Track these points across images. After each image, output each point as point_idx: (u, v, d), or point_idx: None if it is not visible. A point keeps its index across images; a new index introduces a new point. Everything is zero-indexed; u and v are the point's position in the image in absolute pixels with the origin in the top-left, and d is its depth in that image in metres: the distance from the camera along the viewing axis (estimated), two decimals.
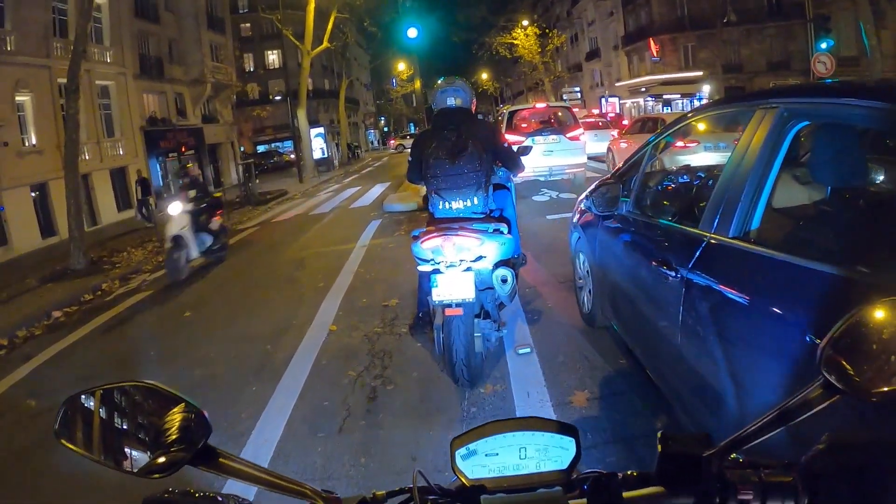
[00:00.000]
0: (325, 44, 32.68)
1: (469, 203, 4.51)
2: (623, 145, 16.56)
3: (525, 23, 49.18)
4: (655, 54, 44.15)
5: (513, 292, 4.34)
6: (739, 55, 40.77)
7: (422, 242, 4.23)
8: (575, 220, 5.42)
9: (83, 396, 0.88)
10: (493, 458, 0.93)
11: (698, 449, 0.88)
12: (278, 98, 51.46)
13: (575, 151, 14.10)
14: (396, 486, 0.95)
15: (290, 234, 13.44)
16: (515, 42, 49.25)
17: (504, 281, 4.24)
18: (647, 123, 15.99)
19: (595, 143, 19.80)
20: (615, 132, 22.75)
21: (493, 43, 50.16)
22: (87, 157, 23.37)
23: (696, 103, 38.87)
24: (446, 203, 4.54)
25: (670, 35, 43.94)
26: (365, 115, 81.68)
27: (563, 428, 0.94)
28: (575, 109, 16.60)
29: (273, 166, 48.33)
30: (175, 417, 0.86)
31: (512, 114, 14.90)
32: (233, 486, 1.84)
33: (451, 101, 4.68)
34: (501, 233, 4.36)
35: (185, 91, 33.63)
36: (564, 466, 0.93)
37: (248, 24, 56.01)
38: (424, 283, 4.65)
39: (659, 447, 0.90)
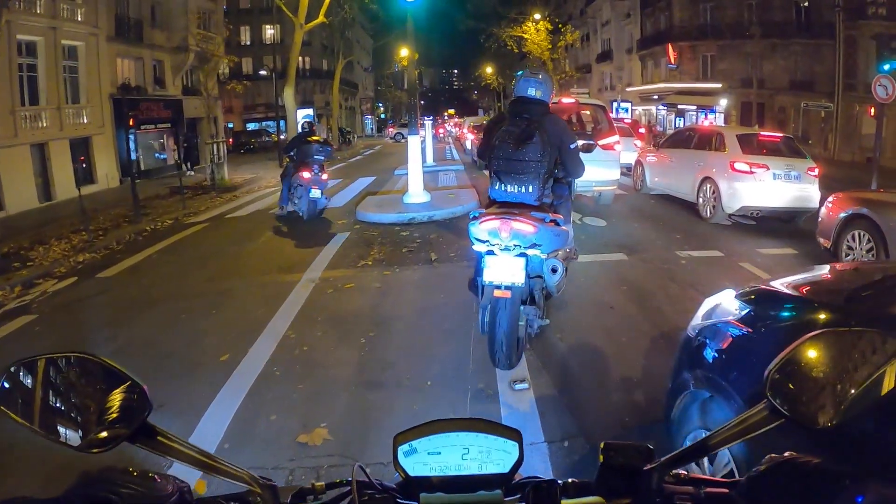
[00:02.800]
0: (321, 18, 30.22)
1: (523, 190, 4.68)
2: (651, 159, 14.06)
3: (537, 16, 46.69)
4: (673, 61, 42.20)
5: (561, 283, 4.54)
6: (761, 70, 38.29)
7: (479, 223, 4.34)
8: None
9: (27, 364, 0.87)
10: (435, 457, 0.93)
11: (640, 461, 0.93)
12: (264, 73, 48.61)
13: (608, 164, 11.31)
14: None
15: (231, 244, 10.60)
16: (525, 36, 46.74)
17: (554, 270, 4.40)
18: (693, 137, 12.76)
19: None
20: (638, 141, 20.16)
21: (502, 34, 47.85)
22: (44, 125, 21.36)
23: (712, 117, 37.31)
24: (503, 185, 4.75)
25: (690, 42, 41.93)
26: (363, 99, 79.48)
27: (508, 432, 0.95)
28: None
29: (260, 146, 46.22)
30: (116, 392, 0.86)
31: None
32: (178, 470, 1.09)
33: (532, 92, 4.82)
34: (557, 224, 4.50)
35: (166, 59, 30.95)
36: (506, 470, 0.93)
37: None
38: (478, 261, 4.71)
39: (601, 457, 0.95)
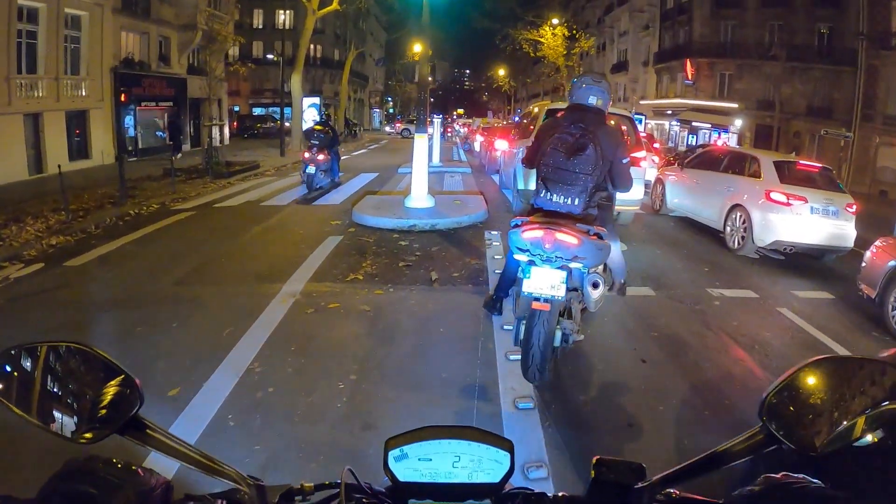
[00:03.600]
0: (335, 5, 29.43)
1: (570, 202, 4.53)
2: (673, 178, 13.03)
3: (555, 21, 46.01)
4: (690, 77, 41.36)
5: (600, 300, 4.36)
6: (779, 93, 37.58)
7: (522, 232, 4.21)
8: None
9: (23, 351, 0.89)
10: (426, 463, 0.93)
11: (631, 479, 0.93)
12: (272, 58, 47.64)
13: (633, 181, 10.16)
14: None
15: (211, 239, 9.63)
16: (542, 40, 46.03)
17: (595, 286, 4.28)
18: (722, 159, 11.66)
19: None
20: (655, 157, 18.97)
21: (518, 36, 47.30)
22: (40, 95, 20.47)
23: (725, 136, 36.64)
24: (549, 194, 4.61)
25: (708, 59, 41.24)
26: (372, 92, 78.71)
27: (500, 441, 0.94)
28: None
29: (265, 131, 45.19)
30: (110, 385, 0.88)
31: (550, 113, 10.45)
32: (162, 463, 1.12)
33: (593, 100, 4.70)
34: (600, 238, 4.32)
35: (173, 36, 29.99)
36: (496, 480, 0.93)
37: None
38: (510, 269, 4.78)
39: (592, 473, 0.95)
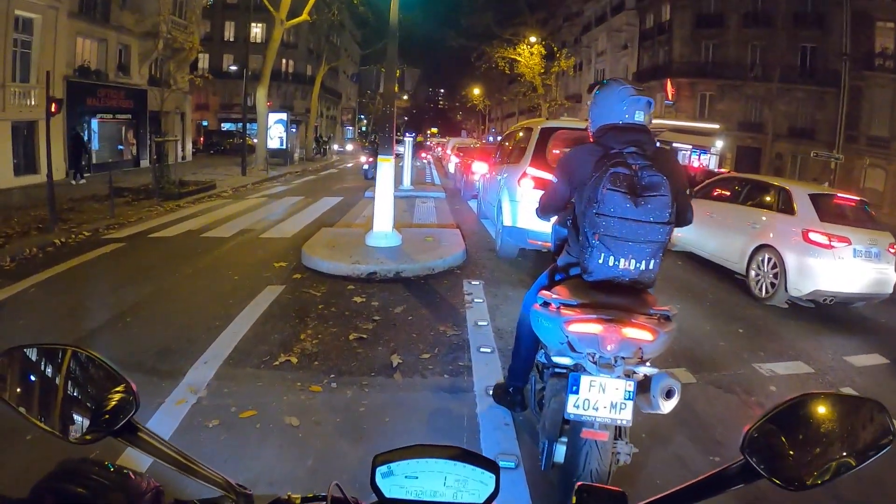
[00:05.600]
0: (305, 16, 28.16)
1: (642, 265, 3.04)
2: None
3: (533, 39, 45.21)
4: (670, 97, 40.63)
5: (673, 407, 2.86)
6: (761, 114, 37.27)
7: (569, 324, 2.80)
8: None
9: (24, 351, 0.92)
10: (412, 481, 0.93)
11: None
12: (234, 69, 46.01)
13: None
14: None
15: (126, 286, 7.57)
16: (518, 59, 45.43)
17: (668, 395, 2.76)
18: (742, 189, 10.19)
19: None
20: None
21: (495, 54, 46.59)
22: None
23: (705, 158, 36.02)
24: (611, 258, 3.03)
25: (689, 79, 41.10)
26: (345, 109, 77.23)
27: (486, 463, 0.93)
28: None
29: (233, 148, 43.10)
30: (109, 390, 0.90)
31: (546, 134, 8.89)
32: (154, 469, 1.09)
33: (641, 117, 3.24)
34: (669, 319, 2.90)
35: (134, 44, 28.49)
36: (481, 501, 0.92)
37: None
38: (525, 343, 3.65)
39: (574, 499, 0.95)
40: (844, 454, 0.82)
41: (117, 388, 0.89)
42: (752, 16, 37.60)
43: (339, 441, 3.85)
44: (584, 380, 2.80)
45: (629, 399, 2.78)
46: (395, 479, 0.92)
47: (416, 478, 0.92)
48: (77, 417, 0.88)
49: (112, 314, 6.36)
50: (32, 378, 0.91)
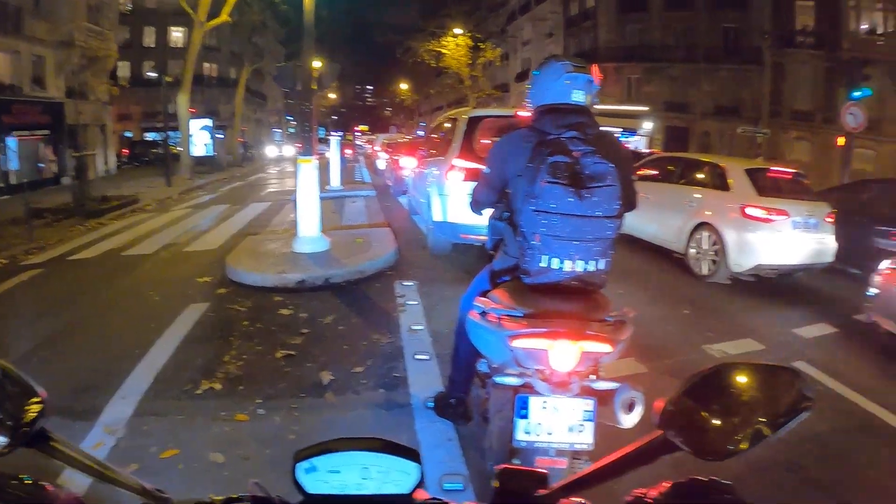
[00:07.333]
0: (224, 16, 27.14)
1: (591, 267, 2.71)
2: None
3: (458, 31, 45.24)
4: (597, 82, 40.73)
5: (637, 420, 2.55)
6: (687, 94, 38.31)
7: (513, 339, 2.47)
8: None
9: None
10: (335, 476, 0.91)
11: (534, 487, 0.94)
12: (153, 75, 44.70)
13: None
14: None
15: (37, 320, 6.84)
16: (444, 51, 45.45)
17: (630, 407, 2.45)
18: (677, 168, 10.19)
19: None
20: None
21: (421, 48, 46.70)
22: None
23: (634, 139, 36.69)
24: (555, 260, 2.68)
25: (615, 64, 41.20)
26: (271, 111, 75.88)
27: (407, 452, 0.92)
28: None
29: (158, 157, 41.31)
30: (15, 397, 0.87)
31: (474, 123, 8.52)
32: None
33: (580, 97, 2.85)
34: (625, 323, 2.61)
35: (48, 55, 27.01)
36: (406, 491, 0.92)
37: None
38: (464, 350, 3.20)
39: (496, 482, 0.96)
40: (761, 422, 0.82)
41: (27, 397, 0.86)
42: None
43: (270, 476, 3.32)
44: (535, 401, 2.51)
45: (589, 420, 2.49)
46: (318, 474, 0.90)
47: (339, 472, 0.90)
48: None
49: (26, 349, 5.73)
50: None
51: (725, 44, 36.94)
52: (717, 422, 0.83)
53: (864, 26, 30.97)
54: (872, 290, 6.19)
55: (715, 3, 36.37)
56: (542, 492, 0.93)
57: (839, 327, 6.70)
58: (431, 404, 3.99)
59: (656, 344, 5.75)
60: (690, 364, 5.24)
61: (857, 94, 15.69)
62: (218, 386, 4.68)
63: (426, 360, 5.13)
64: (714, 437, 0.82)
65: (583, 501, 0.93)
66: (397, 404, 4.35)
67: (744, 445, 0.81)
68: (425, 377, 4.77)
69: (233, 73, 54.68)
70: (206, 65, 52.51)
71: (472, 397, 3.48)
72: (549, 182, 2.64)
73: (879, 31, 30.22)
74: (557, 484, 0.92)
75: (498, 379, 2.63)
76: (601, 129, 2.93)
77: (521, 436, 2.51)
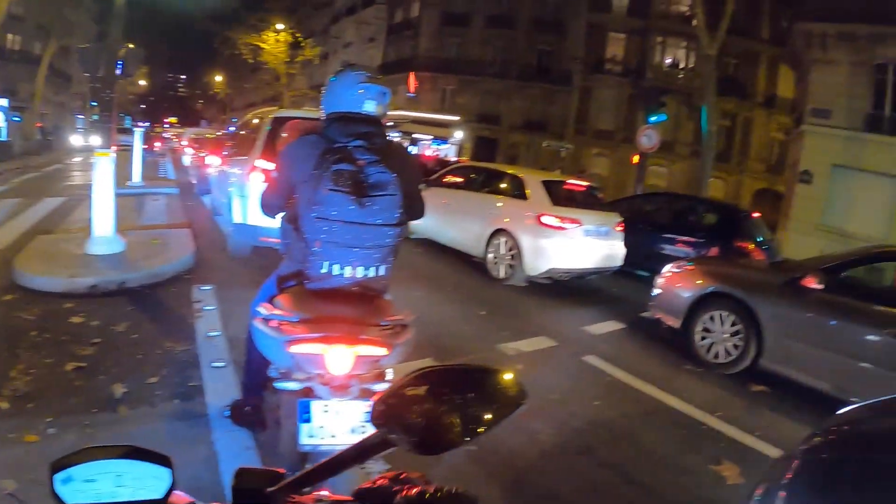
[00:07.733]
0: None
1: (371, 273, 2.85)
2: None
3: (280, 26, 44.35)
4: (412, 90, 41.68)
5: None
6: (498, 108, 40.63)
7: (291, 344, 2.52)
8: None
9: None
10: (91, 485, 0.91)
11: (267, 484, 0.98)
12: None
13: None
14: None
15: None
16: (263, 46, 44.47)
17: None
18: (478, 178, 10.50)
19: None
20: None
21: (239, 40, 45.36)
22: None
23: (444, 147, 37.80)
24: (335, 266, 2.80)
25: (432, 74, 42.67)
26: (76, 95, 69.84)
27: (158, 458, 0.94)
28: None
29: None
30: None
31: (279, 124, 8.05)
32: None
33: (371, 108, 2.95)
34: (405, 327, 2.71)
35: None
36: (160, 496, 0.93)
37: None
38: (255, 357, 3.16)
39: (234, 481, 1.00)
40: (469, 419, 0.87)
41: None
42: (496, 18, 40.71)
43: None
44: (316, 406, 2.57)
45: (369, 421, 2.41)
46: (75, 483, 0.88)
47: (95, 480, 0.89)
48: None
49: None
50: None
51: (539, 64, 40.07)
52: (427, 419, 0.87)
53: (669, 60, 36.44)
54: (656, 291, 7.07)
55: (534, 27, 39.42)
56: (271, 489, 0.96)
57: (627, 324, 7.47)
58: (228, 413, 3.87)
59: (453, 343, 5.93)
60: (485, 362, 5.40)
61: (653, 118, 17.40)
62: (5, 404, 4.07)
63: (223, 367, 4.90)
64: (426, 433, 0.87)
65: (325, 494, 1.00)
66: (194, 414, 4.11)
67: (457, 439, 0.86)
68: (222, 385, 4.56)
69: (38, 49, 49.37)
70: (10, 36, 46.67)
71: (267, 403, 3.40)
72: (331, 190, 2.71)
73: (682, 65, 35.78)
74: (285, 481, 0.97)
75: (279, 385, 2.68)
76: (390, 139, 3.04)
77: (305, 440, 2.56)
